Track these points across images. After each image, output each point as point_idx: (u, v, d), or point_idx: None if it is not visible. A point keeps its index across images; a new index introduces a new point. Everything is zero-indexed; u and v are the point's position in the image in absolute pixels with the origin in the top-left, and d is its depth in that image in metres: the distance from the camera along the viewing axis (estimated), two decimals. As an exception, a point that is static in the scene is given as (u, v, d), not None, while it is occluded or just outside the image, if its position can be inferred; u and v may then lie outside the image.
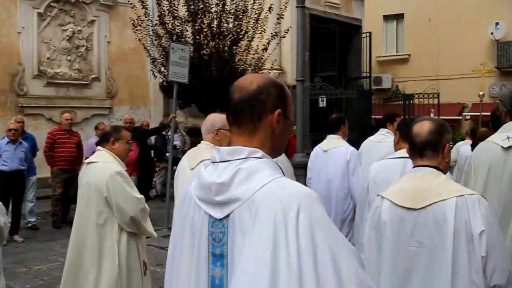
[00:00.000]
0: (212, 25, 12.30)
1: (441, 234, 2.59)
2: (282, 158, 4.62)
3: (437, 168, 2.76)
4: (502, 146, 3.95)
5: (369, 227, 2.97)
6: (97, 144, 4.71)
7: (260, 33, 12.49)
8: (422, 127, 2.81)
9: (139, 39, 12.47)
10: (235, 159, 1.75)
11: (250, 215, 1.64)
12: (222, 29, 12.38)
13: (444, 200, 2.60)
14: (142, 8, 12.26)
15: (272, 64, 13.48)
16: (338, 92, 16.95)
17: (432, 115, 19.46)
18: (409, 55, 28.22)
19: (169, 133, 12.66)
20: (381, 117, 7.24)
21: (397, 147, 4.22)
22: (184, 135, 13.89)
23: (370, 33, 20.07)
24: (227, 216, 1.72)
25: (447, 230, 2.57)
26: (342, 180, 6.17)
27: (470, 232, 2.54)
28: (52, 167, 10.15)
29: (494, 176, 3.97)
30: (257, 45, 12.60)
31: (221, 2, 12.35)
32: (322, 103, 17.03)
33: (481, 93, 21.39)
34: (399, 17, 28.72)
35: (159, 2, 12.28)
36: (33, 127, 12.84)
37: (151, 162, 12.95)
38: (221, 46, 12.40)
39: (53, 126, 13.03)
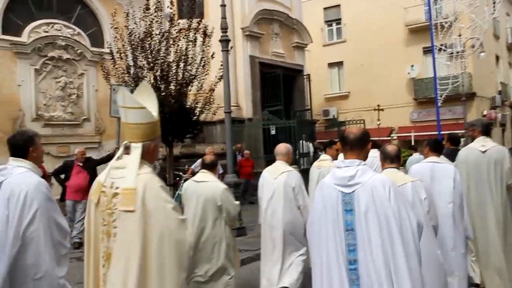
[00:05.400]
0: (165, 72, 11.40)
1: (407, 199, 3.36)
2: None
3: (398, 168, 3.80)
4: (480, 150, 5.22)
5: None
6: (204, 168, 5.01)
7: (205, 75, 11.57)
8: (394, 148, 3.87)
9: (109, 85, 11.65)
10: (353, 165, 2.74)
11: (366, 191, 2.66)
12: (175, 75, 11.49)
13: (405, 183, 3.63)
14: (112, 62, 11.54)
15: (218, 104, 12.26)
16: (282, 122, 15.96)
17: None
18: (349, 92, 27.44)
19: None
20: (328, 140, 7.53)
21: (426, 156, 4.93)
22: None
23: (309, 75, 19.18)
24: (353, 191, 2.70)
25: (409, 198, 3.48)
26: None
27: (419, 198, 3.61)
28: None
29: (477, 167, 5.22)
30: (202, 86, 11.69)
31: (177, 54, 11.52)
32: (273, 131, 16.20)
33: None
34: (339, 64, 28.06)
35: (124, 56, 11.63)
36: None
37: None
38: (173, 88, 11.47)
39: (51, 159, 12.06)
